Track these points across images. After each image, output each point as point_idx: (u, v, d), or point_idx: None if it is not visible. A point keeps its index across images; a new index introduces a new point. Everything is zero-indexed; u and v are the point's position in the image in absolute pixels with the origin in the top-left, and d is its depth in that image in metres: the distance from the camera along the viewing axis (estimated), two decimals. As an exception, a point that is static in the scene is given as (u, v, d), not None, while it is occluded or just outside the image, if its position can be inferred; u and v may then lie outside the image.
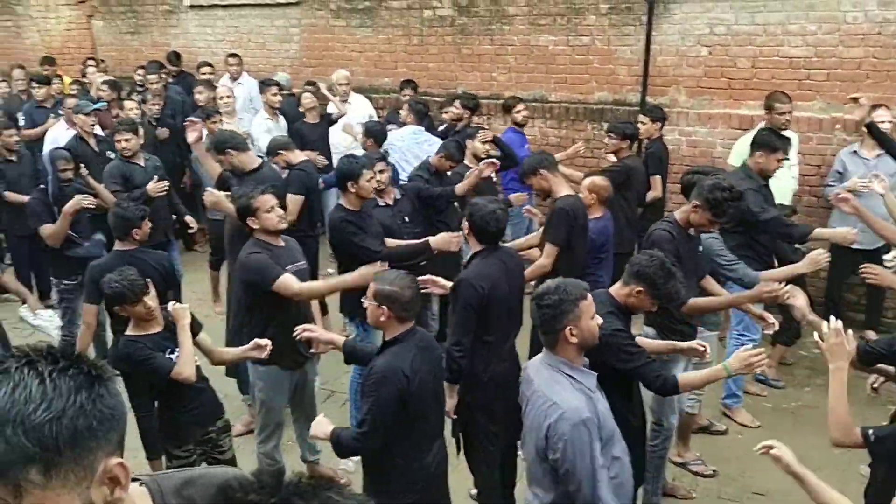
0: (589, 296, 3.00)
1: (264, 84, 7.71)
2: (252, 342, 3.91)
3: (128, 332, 3.83)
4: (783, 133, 5.36)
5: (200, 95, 7.95)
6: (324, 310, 6.34)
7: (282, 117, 7.73)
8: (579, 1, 7.34)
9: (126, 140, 6.24)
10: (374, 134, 6.49)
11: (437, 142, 6.61)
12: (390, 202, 5.39)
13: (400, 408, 3.16)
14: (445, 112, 7.36)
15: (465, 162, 6.27)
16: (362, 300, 3.38)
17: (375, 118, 8.21)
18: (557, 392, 2.88)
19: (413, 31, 8.49)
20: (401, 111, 7.45)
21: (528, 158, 5.01)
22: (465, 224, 4.04)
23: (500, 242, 4.10)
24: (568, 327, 2.90)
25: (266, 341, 3.91)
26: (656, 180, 6.42)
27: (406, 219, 5.41)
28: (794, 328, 5.94)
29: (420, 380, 3.21)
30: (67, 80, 9.83)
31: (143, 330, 3.80)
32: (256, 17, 9.68)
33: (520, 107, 7.16)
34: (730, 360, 3.36)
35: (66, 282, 5.66)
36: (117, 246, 4.68)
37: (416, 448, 3.31)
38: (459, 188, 5.73)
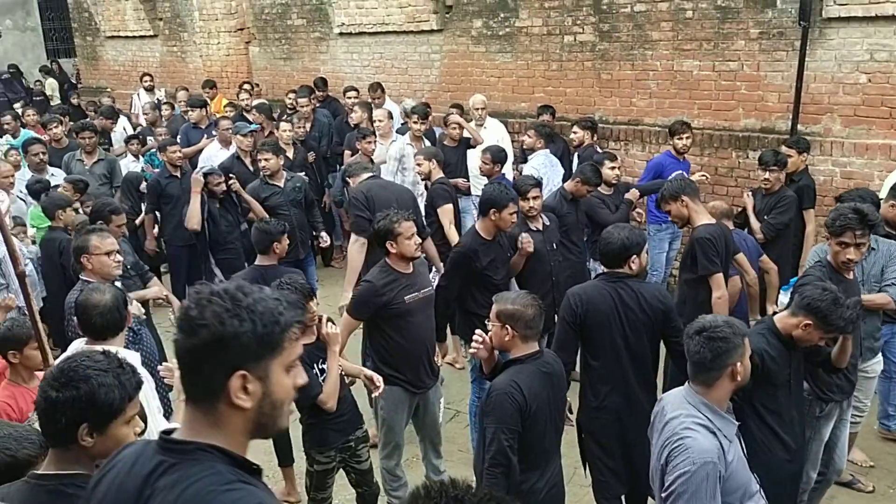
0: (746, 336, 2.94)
1: (412, 110, 7.81)
2: (371, 373, 4.06)
3: None
4: None
5: (355, 115, 8.32)
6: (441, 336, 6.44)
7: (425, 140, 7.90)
8: (728, 26, 7.10)
9: (266, 160, 6.65)
10: (498, 159, 6.54)
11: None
12: (540, 227, 5.34)
13: (520, 425, 3.18)
14: (573, 135, 7.32)
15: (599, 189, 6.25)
16: (486, 323, 3.42)
17: (509, 142, 8.29)
18: (689, 431, 2.79)
19: (552, 56, 8.51)
20: (527, 136, 7.48)
21: (669, 184, 4.86)
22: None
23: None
24: (737, 363, 2.83)
25: (380, 382, 4.05)
26: (810, 214, 6.09)
27: (554, 245, 5.39)
28: None
29: (538, 406, 3.21)
30: (224, 101, 10.57)
31: None
32: (401, 44, 10.03)
33: (684, 134, 6.96)
34: None
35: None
36: (258, 261, 4.96)
37: (526, 471, 3.28)
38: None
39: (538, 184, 5.48)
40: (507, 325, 3.29)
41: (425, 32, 9.64)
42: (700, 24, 7.28)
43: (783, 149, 6.29)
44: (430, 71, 9.81)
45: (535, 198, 5.28)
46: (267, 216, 5.83)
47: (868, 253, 4.38)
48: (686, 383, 2.96)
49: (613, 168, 6.31)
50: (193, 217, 6.27)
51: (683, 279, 4.86)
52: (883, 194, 5.61)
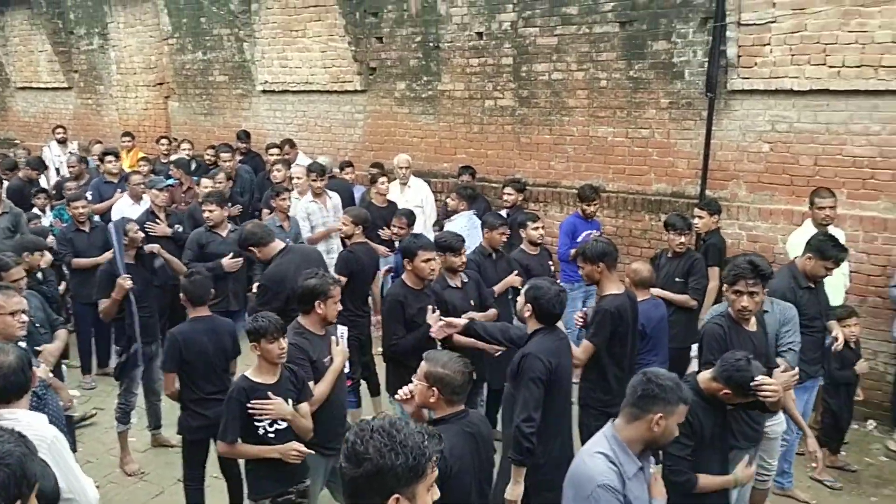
0: (686, 406, 3.02)
1: (308, 169, 7.82)
2: (288, 445, 3.93)
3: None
4: (835, 236, 5.31)
5: (279, 174, 8.28)
6: (375, 390, 6.36)
7: (335, 195, 7.89)
8: (639, 95, 7.46)
9: (210, 211, 6.61)
10: (412, 221, 6.84)
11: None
12: (459, 284, 5.37)
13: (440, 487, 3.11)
14: (505, 196, 7.52)
15: (522, 246, 6.43)
16: (413, 378, 3.39)
17: (432, 201, 8.41)
18: (588, 457, 2.91)
19: (474, 119, 8.73)
20: (449, 199, 7.64)
21: (594, 245, 4.91)
22: (523, 305, 4.13)
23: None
24: (659, 415, 2.91)
25: (293, 450, 3.93)
26: (714, 272, 6.35)
27: (472, 302, 5.42)
28: (836, 434, 5.74)
29: (460, 467, 3.11)
30: (139, 154, 10.34)
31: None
32: (324, 103, 10.09)
33: (593, 200, 7.22)
34: (737, 471, 3.61)
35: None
36: (195, 313, 4.81)
37: None
38: (498, 289, 5.86)
39: (464, 240, 5.57)
40: (433, 387, 3.26)
41: (349, 92, 9.75)
42: (614, 93, 7.63)
43: (695, 211, 6.60)
44: (353, 130, 9.89)
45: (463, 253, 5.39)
46: (186, 270, 5.63)
47: (762, 315, 4.57)
48: (610, 420, 3.04)
49: (537, 228, 6.45)
50: (107, 313, 5.88)
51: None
52: (792, 254, 5.90)
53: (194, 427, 4.73)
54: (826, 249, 4.99)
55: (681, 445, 3.43)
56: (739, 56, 6.73)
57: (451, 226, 7.09)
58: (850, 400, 5.90)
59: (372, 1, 9.26)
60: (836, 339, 5.43)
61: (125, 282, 5.50)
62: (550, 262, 6.57)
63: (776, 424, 4.62)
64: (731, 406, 3.63)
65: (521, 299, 4.19)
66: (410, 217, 6.91)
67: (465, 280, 5.46)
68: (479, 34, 8.47)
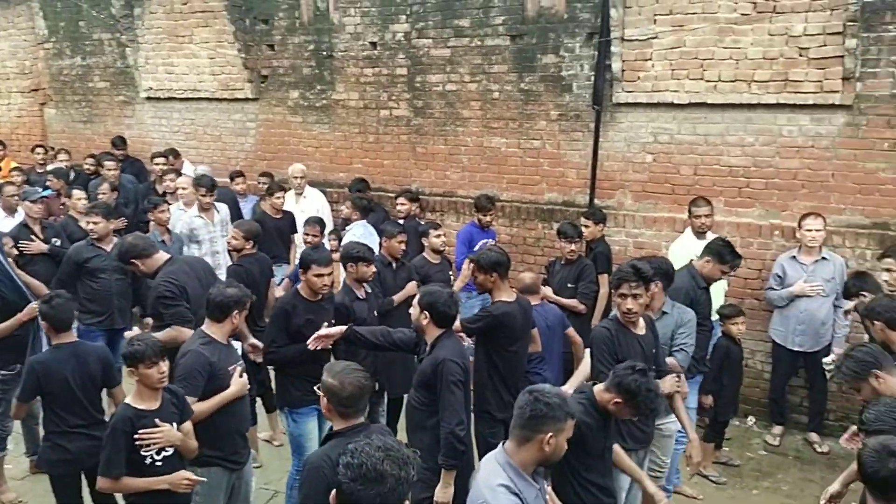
0: (573, 420, 3.01)
1: (197, 183, 7.54)
2: (178, 475, 3.77)
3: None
4: (701, 236, 5.66)
5: (171, 184, 7.97)
6: (270, 407, 6.21)
7: (223, 208, 7.68)
8: (531, 107, 7.64)
9: (95, 223, 6.23)
10: (324, 227, 6.70)
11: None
12: (363, 296, 5.35)
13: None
14: (399, 206, 7.52)
15: (424, 254, 6.54)
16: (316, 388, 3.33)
17: (328, 211, 8.32)
18: (491, 492, 2.84)
19: (369, 129, 8.69)
20: (344, 207, 7.61)
21: (487, 254, 4.96)
22: (419, 314, 4.13)
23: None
24: (550, 434, 2.89)
25: (184, 480, 3.78)
26: (604, 279, 6.56)
27: (375, 313, 5.42)
28: (719, 430, 6.02)
29: None
30: (10, 164, 9.73)
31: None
32: (213, 111, 9.79)
33: (490, 211, 7.34)
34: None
35: (4, 372, 5.38)
36: (59, 339, 4.50)
37: None
38: (398, 298, 5.91)
39: (373, 250, 5.60)
40: (325, 397, 3.21)
41: (240, 100, 9.50)
42: (506, 105, 7.77)
43: (581, 220, 6.84)
44: (244, 139, 9.64)
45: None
46: (47, 291, 5.27)
47: (660, 316, 4.77)
48: (500, 444, 3.02)
49: (439, 236, 6.51)
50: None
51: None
52: (672, 261, 6.16)
53: (53, 460, 4.42)
54: (724, 254, 5.29)
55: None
56: (623, 70, 7.00)
57: (348, 236, 7.04)
58: (735, 397, 6.21)
59: (262, 8, 9.08)
60: None
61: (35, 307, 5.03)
62: (451, 272, 6.66)
63: (671, 422, 4.79)
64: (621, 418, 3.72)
65: (414, 309, 4.19)
66: (322, 224, 6.88)
67: (369, 291, 5.45)
68: (373, 44, 8.45)
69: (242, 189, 8.61)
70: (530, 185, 7.83)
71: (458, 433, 3.92)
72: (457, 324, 4.64)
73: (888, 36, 5.98)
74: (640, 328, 4.38)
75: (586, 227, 6.76)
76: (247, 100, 9.44)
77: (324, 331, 4.52)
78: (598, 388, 3.65)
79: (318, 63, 8.85)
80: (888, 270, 5.41)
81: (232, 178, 8.63)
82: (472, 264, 5.07)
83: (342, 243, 6.51)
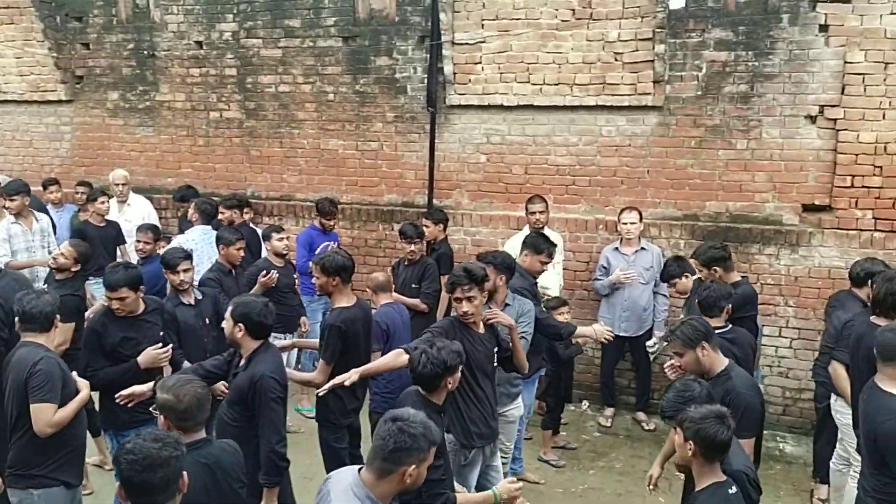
0: (435, 447, 2.88)
1: (6, 191, 6.95)
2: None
3: None
4: (545, 233, 5.92)
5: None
6: (95, 431, 5.81)
7: (43, 218, 7.13)
8: (366, 109, 7.64)
9: None
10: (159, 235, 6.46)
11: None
12: (192, 302, 5.21)
13: None
14: (221, 214, 7.21)
15: (268, 258, 6.40)
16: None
17: (156, 218, 7.90)
18: None
19: (199, 131, 8.34)
20: (190, 211, 7.24)
21: (335, 256, 4.90)
22: (233, 326, 4.00)
23: None
24: (413, 466, 2.74)
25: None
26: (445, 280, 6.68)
27: (207, 320, 5.25)
28: (556, 416, 6.33)
29: (191, 501, 2.90)
30: None
31: None
32: (23, 115, 9.02)
33: (334, 215, 7.25)
34: (498, 487, 3.65)
35: None
36: None
37: None
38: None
39: (188, 256, 5.36)
40: (162, 415, 3.06)
41: (52, 103, 8.81)
42: (342, 107, 7.73)
43: (423, 220, 6.93)
44: (59, 144, 8.95)
45: (185, 270, 5.18)
46: None
47: (503, 308, 4.93)
48: (358, 470, 2.86)
49: (282, 240, 6.36)
50: None
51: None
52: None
53: None
54: (538, 244, 5.49)
55: (433, 469, 3.49)
56: (455, 73, 7.18)
57: (180, 239, 6.74)
58: (570, 383, 6.54)
59: (75, 5, 8.46)
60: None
61: None
62: (295, 276, 6.53)
63: (515, 409, 4.97)
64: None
65: (227, 322, 4.03)
66: (156, 231, 6.61)
67: (200, 297, 5.29)
68: (199, 43, 8.12)
69: (57, 198, 7.98)
70: (370, 187, 7.84)
71: (278, 451, 3.87)
72: (321, 364, 4.66)
73: (692, 42, 6.52)
74: (481, 327, 4.46)
75: (426, 227, 6.87)
76: (60, 102, 8.78)
77: (129, 390, 4.19)
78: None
79: (140, 63, 8.38)
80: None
81: (45, 187, 7.97)
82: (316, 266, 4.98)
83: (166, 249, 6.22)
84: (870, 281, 5.34)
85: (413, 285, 6.47)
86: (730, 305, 4.78)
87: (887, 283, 4.51)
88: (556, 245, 5.63)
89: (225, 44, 8.03)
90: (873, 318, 4.55)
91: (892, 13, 5.94)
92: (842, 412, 4.98)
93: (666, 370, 4.53)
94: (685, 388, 3.52)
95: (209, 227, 6.90)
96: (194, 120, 8.33)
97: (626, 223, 6.58)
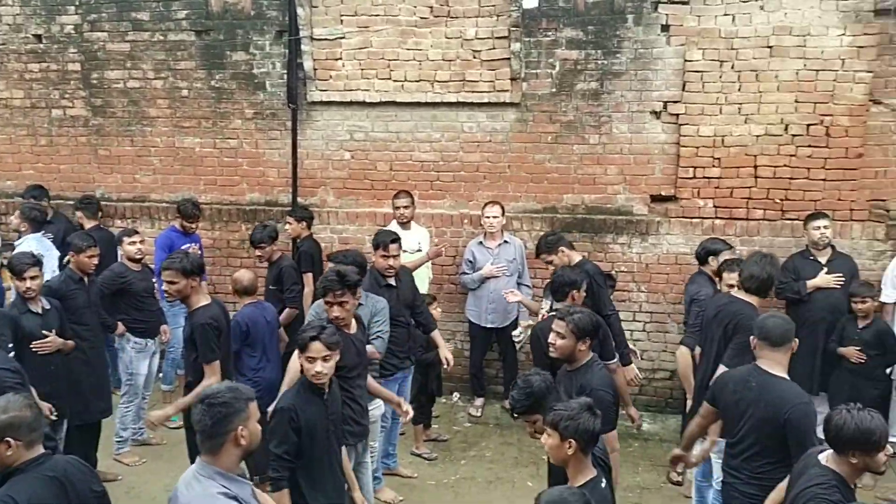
0: (254, 401, 2.97)
1: None
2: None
3: None
4: (405, 226, 6.13)
5: None
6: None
7: None
8: (224, 106, 7.40)
9: None
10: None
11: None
12: (39, 311, 4.99)
13: None
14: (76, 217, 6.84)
15: (123, 262, 6.14)
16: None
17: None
18: (215, 499, 2.76)
19: (40, 130, 7.80)
20: (13, 218, 6.82)
21: (190, 257, 4.77)
22: None
23: None
24: (240, 427, 2.82)
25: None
26: (308, 277, 6.60)
27: (53, 330, 5.07)
28: (427, 411, 6.41)
29: None
30: None
31: None
32: None
33: (197, 218, 7.05)
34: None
35: None
36: None
37: None
38: None
39: (36, 262, 5.12)
40: (8, 439, 2.88)
41: None
42: (197, 103, 7.44)
43: (286, 218, 6.85)
44: None
45: (32, 277, 4.98)
46: None
47: (357, 308, 4.92)
48: (197, 458, 2.91)
49: (134, 243, 6.04)
50: None
51: (191, 362, 4.86)
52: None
53: None
54: (374, 240, 5.57)
55: (282, 444, 3.63)
56: (315, 69, 7.07)
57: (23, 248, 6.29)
58: (438, 378, 6.61)
59: None
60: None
61: None
62: (154, 280, 6.22)
63: (375, 409, 4.99)
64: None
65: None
66: None
67: (48, 307, 5.08)
68: (38, 37, 7.59)
69: None
70: (230, 186, 7.60)
71: None
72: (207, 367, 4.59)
73: (546, 40, 6.74)
74: (353, 328, 4.51)
75: (289, 224, 6.82)
76: None
77: None
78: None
79: (-29, 57, 7.73)
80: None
81: None
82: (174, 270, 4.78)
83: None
84: (710, 258, 5.80)
85: (271, 287, 6.35)
86: (581, 291, 5.04)
87: (753, 266, 4.71)
88: (393, 236, 5.61)
89: (67, 37, 7.54)
90: (738, 294, 4.78)
91: (725, 14, 6.37)
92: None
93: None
94: (526, 384, 3.63)
95: (40, 234, 6.51)
96: (35, 118, 7.78)
97: (488, 217, 6.72)
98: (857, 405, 3.10)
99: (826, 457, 3.18)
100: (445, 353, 5.67)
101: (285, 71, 7.18)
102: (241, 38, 7.24)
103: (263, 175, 7.50)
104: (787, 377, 3.82)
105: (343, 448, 4.15)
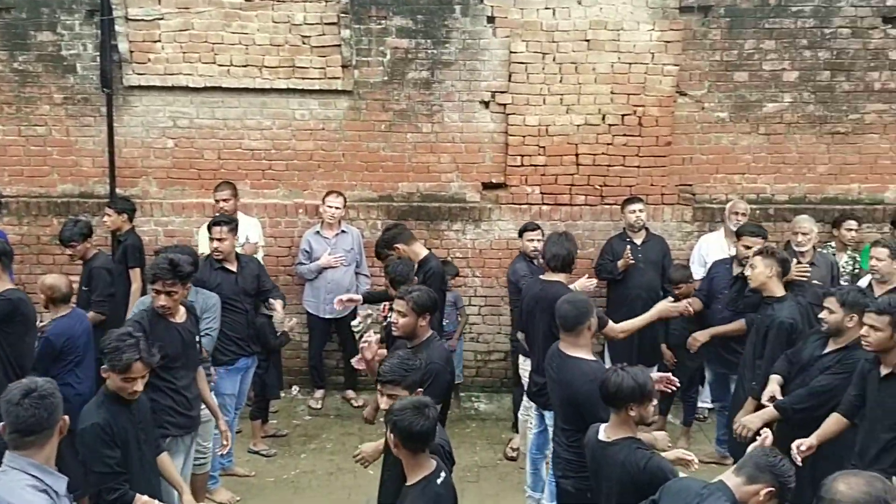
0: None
1: None
2: None
3: None
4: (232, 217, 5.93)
5: None
6: None
7: None
8: (29, 90, 6.79)
9: None
10: None
11: None
12: None
13: None
14: None
15: None
16: None
17: None
18: (18, 496, 2.67)
19: None
20: None
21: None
22: None
23: None
24: (58, 423, 2.82)
25: None
26: (136, 273, 6.22)
27: None
28: (264, 406, 6.27)
29: None
30: None
31: None
32: None
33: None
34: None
35: None
36: None
37: None
38: None
39: None
40: None
41: None
42: (-2, 87, 6.79)
43: (105, 210, 6.43)
44: None
45: None
46: None
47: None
48: (7, 453, 2.80)
49: None
50: None
51: None
52: (201, 248, 6.18)
53: None
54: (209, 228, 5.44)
55: (105, 460, 3.43)
56: (132, 52, 6.66)
57: None
58: (278, 371, 6.45)
59: None
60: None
61: None
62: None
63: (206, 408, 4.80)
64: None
65: None
66: None
67: None
68: None
69: None
70: (39, 177, 7.00)
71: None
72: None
73: (376, 28, 6.72)
74: (181, 316, 4.39)
75: (108, 216, 6.39)
76: None
77: None
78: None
79: None
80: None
81: None
82: None
83: None
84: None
85: (84, 288, 5.88)
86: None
87: (553, 246, 5.00)
88: (221, 220, 5.55)
89: None
90: (549, 276, 5.02)
91: (546, 8, 6.63)
92: (526, 370, 5.53)
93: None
94: (409, 358, 3.60)
95: None
96: None
97: (330, 207, 6.62)
98: (624, 364, 3.43)
99: (604, 430, 3.45)
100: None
101: (98, 53, 6.69)
102: (48, 17, 6.67)
103: (77, 165, 6.97)
104: (586, 356, 4.06)
105: (165, 454, 3.97)
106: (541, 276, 5.19)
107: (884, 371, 3.90)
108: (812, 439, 4.02)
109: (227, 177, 6.78)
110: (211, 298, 4.90)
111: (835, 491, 2.33)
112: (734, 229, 6.12)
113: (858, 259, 6.59)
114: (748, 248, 5.46)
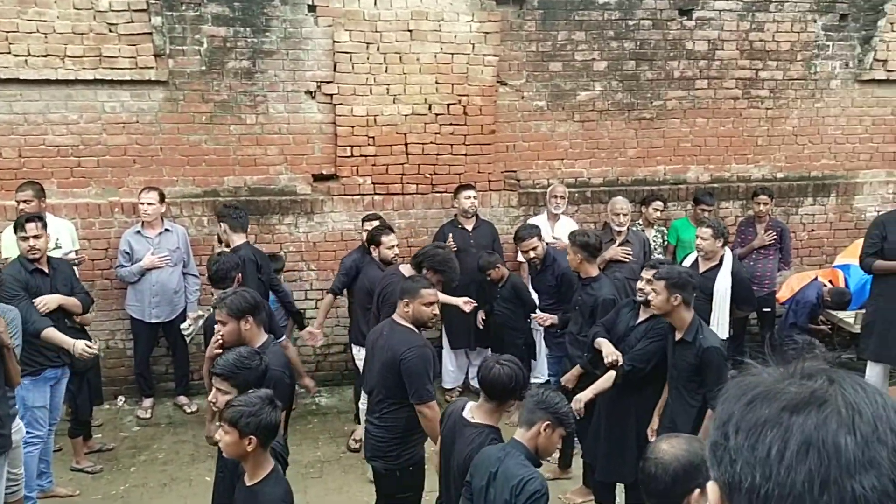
0: None
1: None
2: None
3: None
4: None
5: None
6: None
7: None
8: None
9: None
10: None
11: None
12: None
13: None
14: None
15: None
16: None
17: None
18: None
19: None
20: None
21: None
22: None
23: None
24: None
25: None
26: None
27: None
28: (85, 421, 5.86)
29: None
30: None
31: None
32: None
33: None
34: None
35: None
36: None
37: None
38: None
39: None
40: None
41: None
42: None
43: None
44: None
45: None
46: None
47: None
48: None
49: None
50: None
51: None
52: (6, 252, 5.67)
53: None
54: (15, 223, 5.07)
55: None
56: None
57: None
58: (91, 387, 5.95)
59: None
60: None
61: None
62: None
63: (15, 432, 4.40)
64: None
65: None
66: None
67: None
68: None
69: None
70: None
71: None
72: None
73: (190, 16, 6.41)
74: None
75: None
76: None
77: None
78: None
79: None
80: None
81: None
82: None
83: None
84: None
85: None
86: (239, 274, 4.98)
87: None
88: (30, 217, 5.11)
89: None
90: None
91: (368, -3, 6.64)
92: (359, 358, 5.53)
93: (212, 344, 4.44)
94: (247, 356, 3.50)
95: None
96: None
97: (143, 204, 6.25)
98: (500, 357, 3.51)
99: (471, 408, 3.52)
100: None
101: None
102: None
103: None
104: (412, 327, 4.22)
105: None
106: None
107: (678, 336, 4.34)
108: (589, 392, 4.49)
109: (30, 176, 6.21)
110: (9, 313, 4.47)
111: (658, 450, 2.57)
112: (555, 212, 6.46)
113: (666, 233, 7.18)
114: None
